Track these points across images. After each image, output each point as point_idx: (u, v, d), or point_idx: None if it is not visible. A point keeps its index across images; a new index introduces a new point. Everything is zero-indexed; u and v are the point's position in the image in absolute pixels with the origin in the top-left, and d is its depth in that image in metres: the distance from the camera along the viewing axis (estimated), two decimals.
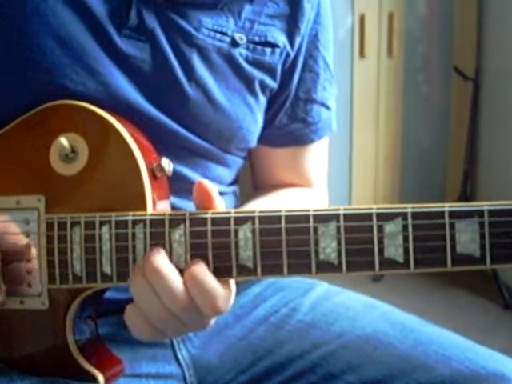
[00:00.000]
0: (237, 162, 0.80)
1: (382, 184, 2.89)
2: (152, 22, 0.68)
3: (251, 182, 0.89)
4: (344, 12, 2.75)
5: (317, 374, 0.73)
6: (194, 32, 0.69)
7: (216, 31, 0.71)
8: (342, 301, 0.80)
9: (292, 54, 0.77)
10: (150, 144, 0.64)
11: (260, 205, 0.78)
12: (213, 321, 0.59)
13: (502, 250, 0.51)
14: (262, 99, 0.76)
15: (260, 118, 0.77)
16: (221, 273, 0.56)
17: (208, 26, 0.70)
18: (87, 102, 0.64)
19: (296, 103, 0.80)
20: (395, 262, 0.53)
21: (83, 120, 0.62)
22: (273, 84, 0.76)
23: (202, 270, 0.55)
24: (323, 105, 0.83)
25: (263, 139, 0.81)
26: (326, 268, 0.54)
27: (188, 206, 0.69)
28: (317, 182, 0.88)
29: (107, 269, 0.58)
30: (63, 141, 0.60)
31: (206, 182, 0.56)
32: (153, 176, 0.61)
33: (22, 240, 0.61)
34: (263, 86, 0.75)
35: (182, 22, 0.69)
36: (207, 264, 0.56)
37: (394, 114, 2.86)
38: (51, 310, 0.61)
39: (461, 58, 2.73)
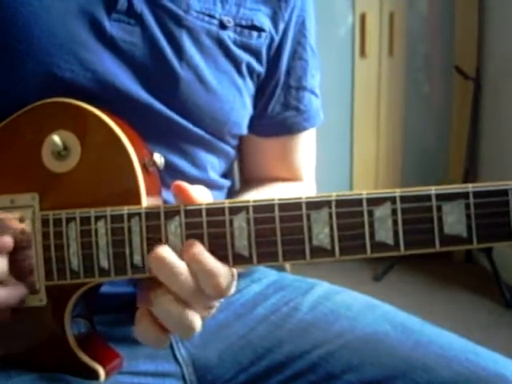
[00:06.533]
0: (227, 151, 0.80)
1: (383, 184, 2.89)
2: (141, 5, 0.68)
3: (240, 177, 0.90)
4: (345, 11, 2.75)
5: (317, 373, 0.72)
6: (182, 14, 0.70)
7: (204, 14, 0.72)
8: (342, 300, 0.79)
9: (277, 39, 0.78)
10: (140, 139, 0.64)
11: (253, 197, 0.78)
12: (217, 303, 0.58)
13: (487, 230, 0.53)
14: (250, 83, 0.77)
15: (248, 102, 0.78)
16: None
17: (196, 9, 0.71)
18: (76, 88, 0.65)
19: (288, 91, 0.82)
20: (386, 245, 0.54)
21: (75, 117, 0.62)
22: (259, 68, 0.77)
23: (199, 250, 0.55)
24: (313, 92, 0.85)
25: (255, 129, 0.82)
26: (319, 253, 0.55)
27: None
28: (306, 176, 0.89)
29: (104, 263, 0.58)
30: (56, 138, 0.60)
31: (179, 182, 0.56)
32: (145, 170, 0.61)
33: (18, 238, 0.60)
34: (250, 69, 0.76)
35: (171, 5, 0.70)
36: None
37: (394, 113, 2.86)
38: (49, 307, 0.61)
39: (462, 57, 2.74)
